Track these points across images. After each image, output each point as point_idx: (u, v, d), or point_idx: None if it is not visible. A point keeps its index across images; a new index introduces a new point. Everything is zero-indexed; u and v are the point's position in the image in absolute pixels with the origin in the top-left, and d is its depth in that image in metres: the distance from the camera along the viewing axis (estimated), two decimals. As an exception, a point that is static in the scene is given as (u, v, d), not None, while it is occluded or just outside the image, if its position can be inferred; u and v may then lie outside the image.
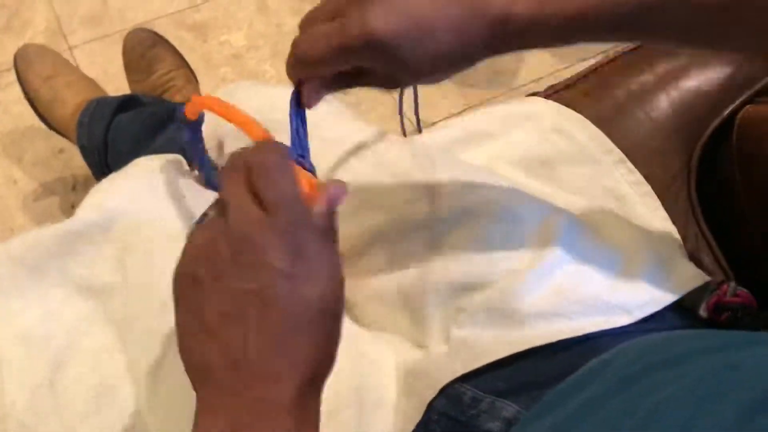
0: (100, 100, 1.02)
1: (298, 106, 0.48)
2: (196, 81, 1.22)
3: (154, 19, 1.50)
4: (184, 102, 0.56)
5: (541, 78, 1.44)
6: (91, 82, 1.14)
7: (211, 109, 0.51)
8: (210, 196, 0.62)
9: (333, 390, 0.40)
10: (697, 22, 0.43)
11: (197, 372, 0.38)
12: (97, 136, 0.94)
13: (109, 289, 0.56)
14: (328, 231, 0.39)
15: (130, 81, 1.17)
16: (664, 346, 0.43)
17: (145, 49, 1.15)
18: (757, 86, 0.65)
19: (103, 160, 0.94)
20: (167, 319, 0.34)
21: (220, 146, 0.67)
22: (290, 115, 0.48)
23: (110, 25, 1.49)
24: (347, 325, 0.56)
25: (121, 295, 0.55)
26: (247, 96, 0.66)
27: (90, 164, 0.98)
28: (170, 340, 0.51)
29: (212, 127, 0.66)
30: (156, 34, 1.20)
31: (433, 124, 1.41)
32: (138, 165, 0.64)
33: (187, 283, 0.38)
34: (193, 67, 1.43)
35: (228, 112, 0.49)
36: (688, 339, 0.43)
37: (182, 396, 0.40)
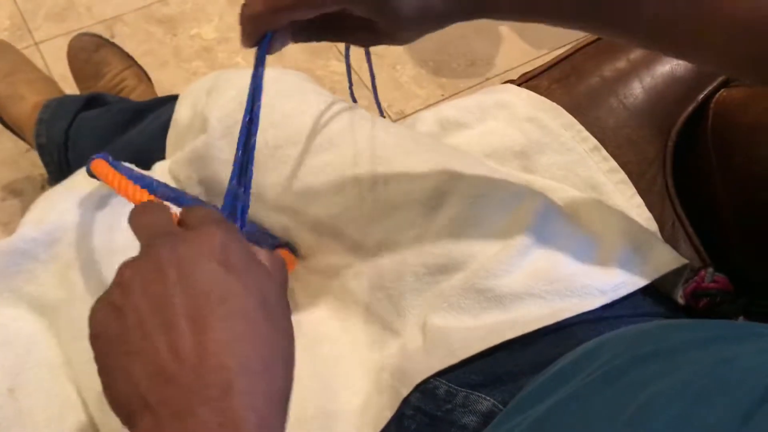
0: (63, 98, 0.99)
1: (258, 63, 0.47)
2: (148, 78, 1.20)
3: (122, 13, 1.47)
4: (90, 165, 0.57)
5: (516, 66, 1.43)
6: (53, 83, 1.12)
7: (105, 181, 0.53)
8: None
9: (297, 401, 0.39)
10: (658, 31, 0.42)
11: (127, 405, 0.32)
12: (57, 134, 0.92)
13: (57, 306, 0.55)
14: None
15: (81, 89, 1.15)
16: (652, 337, 0.42)
17: (89, 54, 1.12)
18: (730, 70, 0.65)
19: (63, 159, 0.91)
20: None
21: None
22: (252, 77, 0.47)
23: (77, 20, 1.46)
24: (310, 329, 0.55)
25: (67, 312, 0.54)
26: (228, 82, 0.65)
27: (47, 164, 0.95)
28: None
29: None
30: (99, 36, 1.18)
31: (409, 114, 1.41)
32: (82, 174, 0.62)
33: (105, 313, 0.34)
34: (163, 61, 1.41)
35: (119, 185, 0.50)
36: (678, 330, 0.43)
37: None
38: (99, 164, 0.55)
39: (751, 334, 0.38)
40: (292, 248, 0.59)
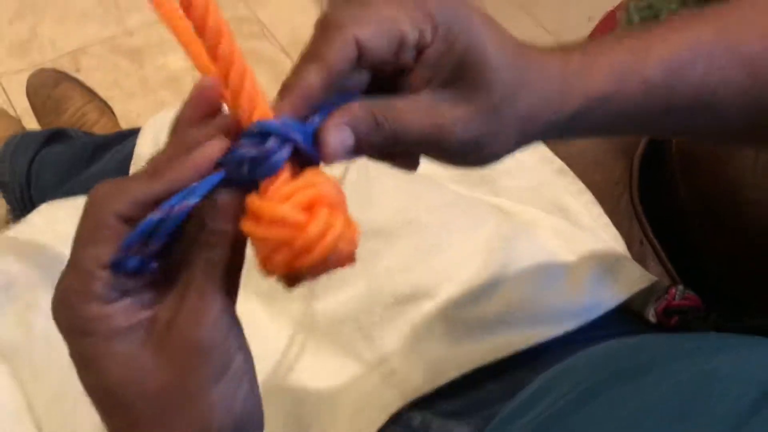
0: (25, 134, 0.98)
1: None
2: (111, 111, 1.19)
3: (86, 45, 1.46)
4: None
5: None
6: (14, 120, 1.11)
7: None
8: None
9: None
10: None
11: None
12: (20, 171, 0.91)
13: (16, 348, 0.54)
14: None
15: (42, 125, 1.14)
16: (627, 354, 0.42)
17: (49, 90, 1.12)
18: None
19: (26, 195, 0.90)
20: (74, 379, 0.31)
21: None
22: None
23: (40, 53, 1.44)
24: (274, 356, 0.54)
25: (27, 353, 0.53)
26: None
27: (9, 201, 0.94)
28: (76, 403, 0.49)
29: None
30: (58, 71, 1.17)
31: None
32: (41, 213, 0.61)
33: None
34: (130, 91, 1.40)
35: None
36: (654, 344, 0.43)
37: None
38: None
39: (725, 346, 0.38)
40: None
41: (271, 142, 0.29)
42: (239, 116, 0.30)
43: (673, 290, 0.60)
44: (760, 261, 0.58)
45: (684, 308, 0.60)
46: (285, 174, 0.29)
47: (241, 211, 0.29)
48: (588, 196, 0.63)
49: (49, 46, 1.46)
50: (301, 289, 0.53)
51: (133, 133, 0.76)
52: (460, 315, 0.50)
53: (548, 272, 0.54)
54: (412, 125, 0.31)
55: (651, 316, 0.58)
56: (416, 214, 0.56)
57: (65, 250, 0.57)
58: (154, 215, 0.29)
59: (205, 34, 0.29)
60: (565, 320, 0.50)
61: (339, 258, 0.29)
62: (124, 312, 0.30)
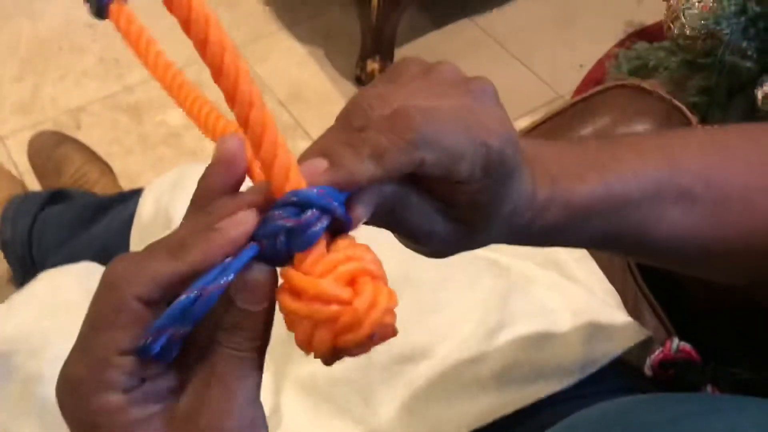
0: (27, 194, 0.99)
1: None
2: (111, 171, 1.20)
3: (87, 103, 1.48)
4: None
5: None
6: (16, 180, 1.12)
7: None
8: None
9: None
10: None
11: None
12: (21, 230, 0.92)
13: (20, 424, 0.54)
14: None
15: (43, 185, 1.15)
16: (618, 420, 0.42)
17: (49, 151, 1.13)
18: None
19: (28, 255, 0.91)
20: None
21: None
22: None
23: (42, 112, 1.47)
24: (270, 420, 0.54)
25: (29, 428, 0.53)
26: (191, 179, 0.65)
27: (11, 262, 0.95)
28: None
29: None
30: (58, 133, 1.19)
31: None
32: (42, 279, 0.62)
33: None
34: (129, 148, 1.42)
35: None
36: (645, 409, 0.43)
37: None
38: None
39: (715, 410, 0.39)
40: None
41: (310, 213, 0.27)
42: (271, 186, 0.28)
43: (669, 343, 0.60)
44: (753, 314, 0.59)
45: (680, 361, 0.60)
46: (321, 245, 0.28)
47: (273, 289, 0.28)
48: (581, 252, 0.64)
49: (50, 104, 1.49)
50: (291, 352, 0.52)
51: (134, 194, 0.77)
52: (458, 374, 0.51)
53: (544, 329, 0.54)
54: (408, 221, 0.32)
55: (647, 369, 0.59)
56: (414, 271, 0.56)
57: (67, 319, 0.58)
58: (188, 295, 0.26)
59: (235, 101, 0.28)
60: (561, 377, 0.51)
61: (383, 332, 0.28)
62: (141, 402, 0.27)
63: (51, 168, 1.12)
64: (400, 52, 1.54)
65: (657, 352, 0.60)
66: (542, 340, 0.53)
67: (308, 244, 0.27)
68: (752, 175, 0.40)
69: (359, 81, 1.53)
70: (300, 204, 0.27)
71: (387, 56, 1.50)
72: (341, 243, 0.28)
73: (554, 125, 0.72)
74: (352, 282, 0.27)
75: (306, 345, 0.28)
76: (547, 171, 0.35)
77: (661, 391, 0.58)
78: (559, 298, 0.59)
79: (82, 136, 1.31)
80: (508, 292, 0.57)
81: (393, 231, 0.33)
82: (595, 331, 0.55)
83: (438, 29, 1.64)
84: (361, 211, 0.29)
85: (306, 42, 1.62)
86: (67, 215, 0.91)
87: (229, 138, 0.29)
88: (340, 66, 1.57)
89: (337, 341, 0.27)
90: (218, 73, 0.27)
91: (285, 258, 0.28)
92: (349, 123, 0.30)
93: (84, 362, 0.27)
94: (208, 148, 1.47)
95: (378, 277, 0.28)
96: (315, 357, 0.28)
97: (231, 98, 0.28)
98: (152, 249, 0.28)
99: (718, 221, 0.39)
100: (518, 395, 0.49)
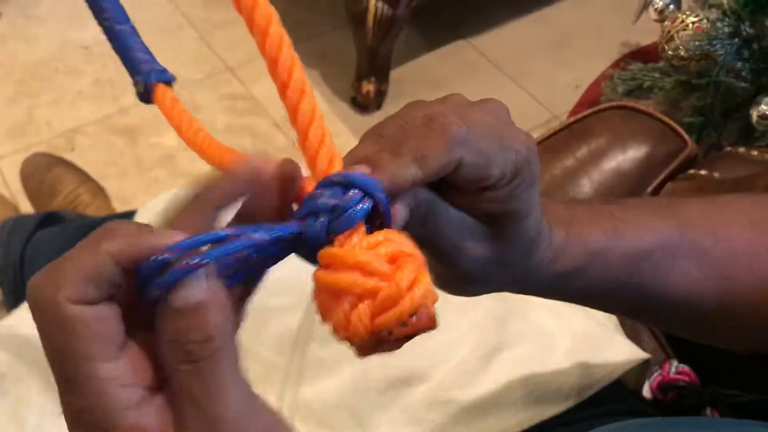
0: (19, 217, 0.99)
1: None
2: (104, 194, 1.20)
3: (81, 125, 1.48)
4: None
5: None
6: (7, 202, 1.12)
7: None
8: None
9: None
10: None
11: None
12: (14, 253, 0.91)
13: None
14: None
15: (37, 209, 1.15)
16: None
17: (42, 173, 1.13)
18: (674, 164, 0.67)
19: (19, 278, 0.90)
20: None
21: None
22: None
23: (37, 135, 1.46)
24: None
25: None
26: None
27: (2, 283, 0.94)
28: None
29: None
30: (50, 155, 1.18)
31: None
32: (28, 308, 0.61)
33: None
34: (123, 169, 1.41)
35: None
36: (670, 426, 0.43)
37: None
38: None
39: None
40: None
41: (353, 193, 0.27)
42: (316, 173, 0.28)
43: (667, 366, 0.60)
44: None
45: (679, 383, 0.60)
46: (361, 230, 0.27)
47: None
48: (578, 273, 0.63)
49: (45, 127, 1.48)
50: (285, 377, 0.51)
51: (127, 216, 0.77)
52: (455, 398, 0.50)
53: (541, 352, 0.54)
54: (439, 233, 0.32)
55: (646, 391, 0.58)
56: None
57: None
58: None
59: (288, 89, 0.28)
60: (559, 401, 0.50)
61: (421, 320, 0.26)
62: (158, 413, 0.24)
63: (44, 190, 1.12)
64: (396, 74, 1.55)
65: (656, 375, 0.60)
66: (539, 362, 0.53)
67: (349, 226, 0.26)
68: (756, 231, 0.41)
69: (355, 102, 1.54)
70: (344, 184, 0.27)
71: (383, 77, 1.51)
72: (380, 232, 0.27)
73: (550, 145, 0.71)
74: (392, 261, 0.26)
75: (342, 327, 0.26)
76: (560, 217, 0.35)
77: (660, 413, 0.57)
78: (557, 321, 0.59)
79: (76, 158, 1.31)
80: (506, 314, 0.56)
81: (425, 246, 0.31)
82: (593, 353, 0.55)
83: (433, 50, 1.65)
84: (401, 209, 0.29)
85: (302, 63, 1.62)
86: (60, 237, 0.91)
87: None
88: (336, 87, 1.58)
89: (376, 322, 0.26)
90: (274, 64, 0.28)
91: (323, 240, 0.27)
92: (381, 134, 0.30)
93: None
94: (201, 170, 1.47)
95: (420, 261, 0.27)
96: (351, 343, 0.27)
97: (284, 87, 0.28)
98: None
99: (726, 275, 0.40)
100: (515, 419, 0.49)
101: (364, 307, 0.26)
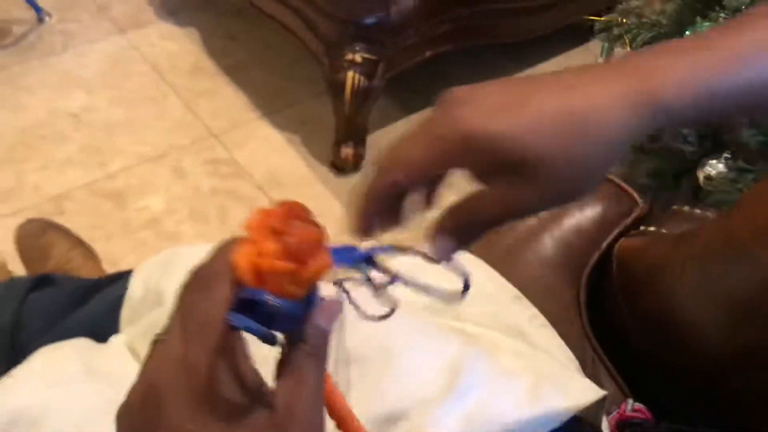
0: (13, 279, 1.03)
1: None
2: (95, 256, 1.24)
3: (69, 190, 1.53)
4: None
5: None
6: (1, 266, 1.16)
7: None
8: (109, 377, 0.64)
9: None
10: None
11: None
12: (7, 316, 0.94)
13: None
14: None
15: (30, 271, 1.19)
16: None
17: (35, 238, 1.17)
18: (625, 222, 0.75)
19: (17, 340, 0.93)
20: None
21: None
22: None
23: (26, 198, 1.51)
24: None
25: None
26: (183, 258, 0.70)
27: None
28: None
29: None
30: (44, 220, 1.23)
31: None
32: (40, 353, 0.66)
33: None
34: (111, 232, 1.46)
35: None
36: None
37: None
38: None
39: None
40: None
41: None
42: None
43: (624, 404, 0.66)
44: (699, 376, 0.64)
45: (635, 420, 0.65)
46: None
47: None
48: (542, 320, 0.69)
49: (33, 191, 1.53)
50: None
51: (122, 277, 0.81)
52: None
53: (506, 390, 0.59)
54: (485, 213, 0.40)
55: (605, 428, 0.63)
56: (387, 341, 0.61)
57: (66, 390, 0.61)
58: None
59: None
60: None
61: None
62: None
63: (37, 254, 1.16)
64: (373, 138, 1.63)
65: (614, 413, 0.66)
66: (504, 399, 0.58)
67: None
68: None
69: (334, 165, 1.61)
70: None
71: (360, 142, 1.59)
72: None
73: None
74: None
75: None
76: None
77: (619, 450, 0.63)
78: (523, 363, 0.64)
79: (65, 222, 1.35)
80: (476, 356, 0.62)
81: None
82: (554, 390, 0.60)
83: (407, 116, 1.74)
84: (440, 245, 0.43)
85: (283, 129, 1.70)
86: (55, 299, 0.94)
87: None
88: (316, 151, 1.65)
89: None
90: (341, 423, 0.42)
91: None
92: None
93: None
94: (187, 231, 1.53)
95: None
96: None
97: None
98: None
99: None
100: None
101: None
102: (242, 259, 0.35)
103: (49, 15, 1.97)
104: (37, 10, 1.94)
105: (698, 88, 0.38)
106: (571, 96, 0.38)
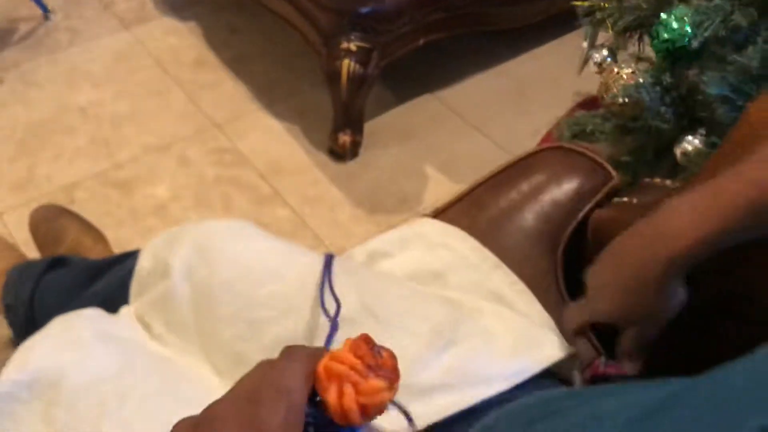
0: (29, 262, 1.08)
1: None
2: (105, 239, 1.30)
3: (79, 180, 1.59)
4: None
5: (442, 200, 1.59)
6: (17, 251, 1.21)
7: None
8: (119, 342, 0.70)
9: None
10: None
11: None
12: (24, 294, 1.00)
13: None
14: None
15: (44, 255, 1.24)
16: (538, 406, 0.53)
17: (49, 223, 1.23)
18: (600, 194, 0.80)
19: (29, 316, 0.99)
20: None
21: None
22: None
23: (37, 189, 1.57)
24: None
25: None
26: (188, 234, 0.76)
27: (12, 324, 1.03)
28: None
29: None
30: (57, 206, 1.28)
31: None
32: (56, 321, 0.71)
33: None
34: (119, 219, 1.52)
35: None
36: (559, 398, 0.54)
37: None
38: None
39: (610, 393, 0.49)
40: None
41: None
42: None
43: (597, 361, 0.71)
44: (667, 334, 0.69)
45: (609, 375, 0.70)
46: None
47: None
48: (521, 286, 0.74)
49: (45, 182, 1.59)
50: None
51: (131, 255, 0.87)
52: (414, 381, 0.61)
53: (485, 346, 0.64)
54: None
55: (579, 384, 0.69)
56: (377, 307, 0.67)
57: (80, 352, 0.66)
58: None
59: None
60: (497, 383, 0.61)
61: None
62: None
63: (50, 238, 1.22)
64: (369, 125, 1.68)
65: (587, 369, 0.71)
66: (483, 354, 0.63)
67: None
68: None
69: (332, 152, 1.66)
70: None
71: (357, 129, 1.64)
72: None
73: (498, 181, 0.84)
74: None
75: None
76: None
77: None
78: (503, 324, 0.70)
79: (76, 210, 1.41)
80: (460, 319, 0.67)
81: None
82: (529, 345, 0.66)
83: (402, 104, 1.79)
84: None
85: (283, 119, 1.76)
86: (68, 277, 1.00)
87: None
88: (315, 139, 1.70)
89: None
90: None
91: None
92: None
93: None
94: (193, 217, 1.58)
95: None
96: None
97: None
98: None
99: None
100: (459, 398, 0.59)
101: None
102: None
103: (54, 12, 2.02)
104: (43, 8, 2.00)
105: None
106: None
